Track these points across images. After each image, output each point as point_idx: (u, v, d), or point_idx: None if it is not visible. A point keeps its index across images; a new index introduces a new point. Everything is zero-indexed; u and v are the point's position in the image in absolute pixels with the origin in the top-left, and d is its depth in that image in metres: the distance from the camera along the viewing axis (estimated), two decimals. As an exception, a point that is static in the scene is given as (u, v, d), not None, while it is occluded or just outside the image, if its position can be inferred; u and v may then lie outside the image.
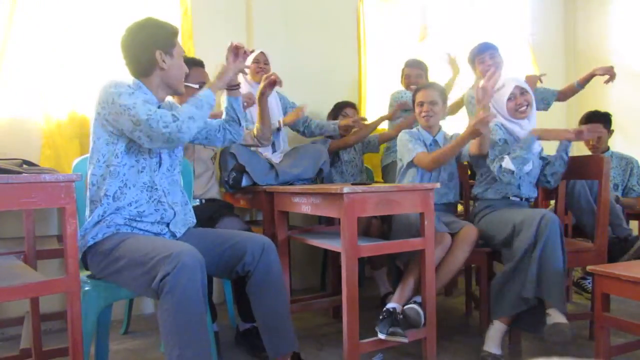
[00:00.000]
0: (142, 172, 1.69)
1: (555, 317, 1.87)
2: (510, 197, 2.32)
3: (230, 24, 3.17)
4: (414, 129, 2.54)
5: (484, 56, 2.85)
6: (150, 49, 1.67)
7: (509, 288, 2.03)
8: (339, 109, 3.07)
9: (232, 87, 1.91)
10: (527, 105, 2.26)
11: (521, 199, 2.34)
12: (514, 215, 2.12)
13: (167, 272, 1.38)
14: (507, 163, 2.16)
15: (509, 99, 2.26)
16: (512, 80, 2.28)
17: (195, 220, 1.88)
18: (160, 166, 1.73)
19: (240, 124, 1.96)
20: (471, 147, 2.29)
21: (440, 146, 2.45)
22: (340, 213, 1.81)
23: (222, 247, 1.72)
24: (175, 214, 1.75)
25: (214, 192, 2.47)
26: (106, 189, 1.63)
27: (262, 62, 2.77)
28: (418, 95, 2.48)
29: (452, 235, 2.19)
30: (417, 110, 2.48)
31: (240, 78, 2.79)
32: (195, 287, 1.40)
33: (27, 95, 2.61)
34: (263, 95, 2.39)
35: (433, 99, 2.43)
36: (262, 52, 2.78)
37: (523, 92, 2.27)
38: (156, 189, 1.71)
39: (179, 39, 1.77)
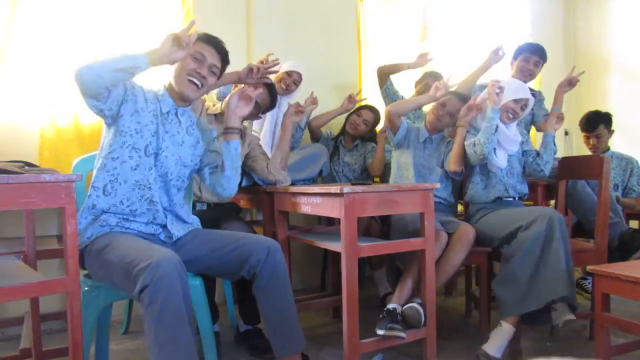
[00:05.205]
0: (135, 169, 1.67)
1: (562, 312, 1.91)
2: (503, 198, 2.36)
3: (230, 24, 3.17)
4: (415, 125, 2.59)
5: (530, 61, 2.72)
6: None
7: (517, 287, 1.98)
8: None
9: (228, 131, 1.76)
10: (514, 116, 2.30)
11: (514, 198, 2.38)
12: (518, 214, 2.14)
13: (145, 284, 1.34)
14: (478, 137, 2.24)
15: (514, 100, 2.27)
16: (527, 90, 2.31)
17: (198, 224, 1.87)
18: (157, 167, 1.72)
19: (224, 173, 1.79)
20: (449, 164, 2.37)
21: (433, 144, 2.51)
22: (340, 213, 1.81)
23: (226, 249, 1.70)
24: (166, 216, 1.74)
25: None
26: (94, 181, 1.66)
27: (294, 77, 2.82)
28: (450, 99, 2.47)
29: (450, 234, 2.19)
30: (436, 105, 2.49)
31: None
32: (176, 297, 1.36)
33: (27, 96, 2.60)
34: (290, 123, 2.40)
35: (452, 111, 2.45)
36: (298, 73, 2.83)
37: (524, 107, 2.30)
38: (149, 188, 1.69)
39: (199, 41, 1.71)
